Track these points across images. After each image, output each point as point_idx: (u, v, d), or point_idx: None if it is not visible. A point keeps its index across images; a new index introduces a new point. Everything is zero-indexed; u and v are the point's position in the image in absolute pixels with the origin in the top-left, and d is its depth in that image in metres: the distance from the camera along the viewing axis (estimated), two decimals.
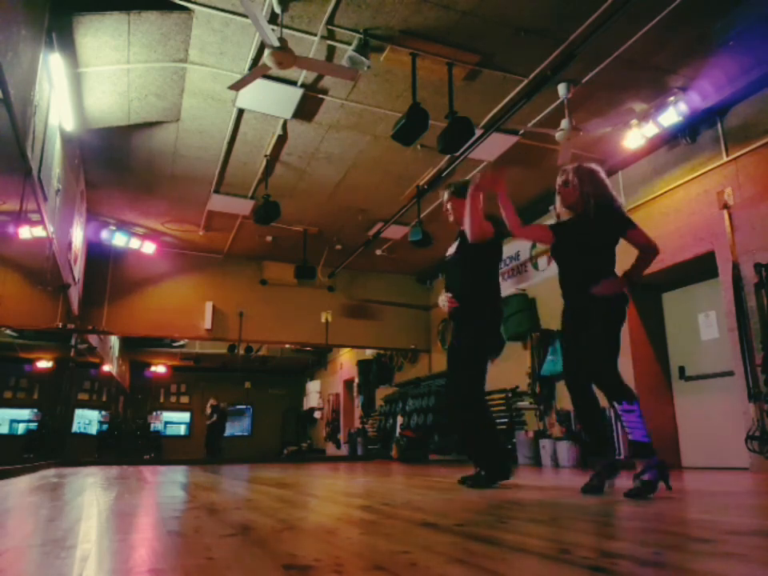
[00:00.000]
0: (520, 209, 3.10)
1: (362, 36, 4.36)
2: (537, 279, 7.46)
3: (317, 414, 16.54)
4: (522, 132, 5.72)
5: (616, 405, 2.60)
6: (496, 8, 4.12)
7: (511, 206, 2.95)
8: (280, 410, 18.32)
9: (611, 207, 2.89)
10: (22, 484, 4.22)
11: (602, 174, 2.97)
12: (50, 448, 9.18)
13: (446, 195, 3.55)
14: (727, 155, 5.16)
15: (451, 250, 3.57)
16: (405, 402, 10.24)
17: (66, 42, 4.29)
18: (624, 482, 2.74)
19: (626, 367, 6.01)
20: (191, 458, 12.28)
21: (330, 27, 4.32)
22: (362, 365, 12.57)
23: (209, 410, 13.68)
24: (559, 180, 2.98)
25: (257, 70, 4.33)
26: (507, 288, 7.97)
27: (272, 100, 5.21)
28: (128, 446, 13.06)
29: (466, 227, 3.19)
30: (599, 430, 2.86)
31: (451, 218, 3.54)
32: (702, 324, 5.73)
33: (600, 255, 2.87)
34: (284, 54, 3.90)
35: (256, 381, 17.70)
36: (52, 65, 4.26)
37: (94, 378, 13.28)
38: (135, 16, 4.15)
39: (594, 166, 2.97)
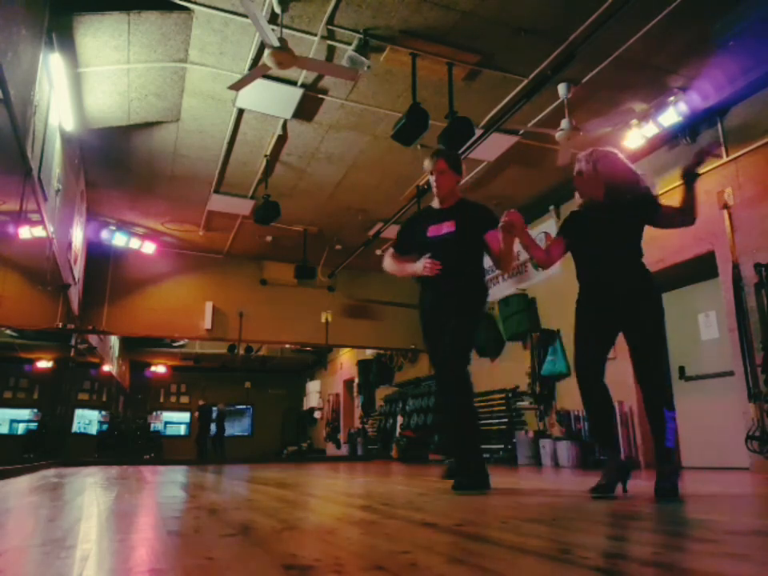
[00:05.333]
0: (520, 209, 3.06)
1: (362, 36, 4.36)
2: (537, 279, 7.45)
3: (317, 414, 16.55)
4: (521, 132, 5.72)
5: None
6: (496, 8, 4.12)
7: (534, 243, 3.02)
8: (280, 410, 18.32)
9: (635, 191, 2.78)
10: (22, 484, 4.21)
11: (620, 156, 2.82)
12: (50, 448, 9.18)
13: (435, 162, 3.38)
14: (727, 155, 5.15)
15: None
16: (405, 401, 10.25)
17: (66, 42, 4.29)
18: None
19: (625, 367, 6.01)
20: (191, 458, 12.28)
21: (329, 27, 4.32)
22: (362, 365, 12.57)
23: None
24: (575, 170, 2.84)
25: (257, 69, 4.33)
26: (507, 288, 7.97)
27: (272, 100, 5.21)
28: (128, 445, 13.05)
29: (504, 264, 3.21)
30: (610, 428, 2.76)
31: (436, 190, 3.38)
32: (702, 324, 5.73)
33: (625, 243, 2.77)
34: (284, 54, 3.90)
35: (256, 381, 17.71)
36: (52, 65, 4.26)
37: (93, 378, 13.29)
38: (135, 16, 4.15)
39: (609, 149, 2.81)
